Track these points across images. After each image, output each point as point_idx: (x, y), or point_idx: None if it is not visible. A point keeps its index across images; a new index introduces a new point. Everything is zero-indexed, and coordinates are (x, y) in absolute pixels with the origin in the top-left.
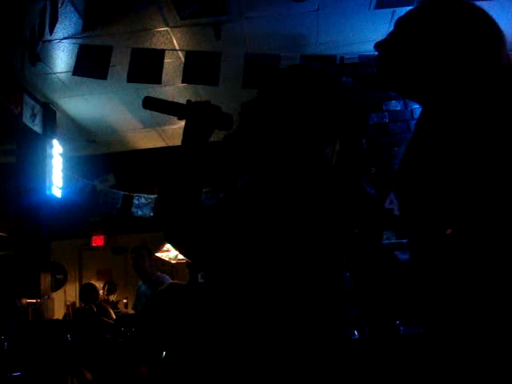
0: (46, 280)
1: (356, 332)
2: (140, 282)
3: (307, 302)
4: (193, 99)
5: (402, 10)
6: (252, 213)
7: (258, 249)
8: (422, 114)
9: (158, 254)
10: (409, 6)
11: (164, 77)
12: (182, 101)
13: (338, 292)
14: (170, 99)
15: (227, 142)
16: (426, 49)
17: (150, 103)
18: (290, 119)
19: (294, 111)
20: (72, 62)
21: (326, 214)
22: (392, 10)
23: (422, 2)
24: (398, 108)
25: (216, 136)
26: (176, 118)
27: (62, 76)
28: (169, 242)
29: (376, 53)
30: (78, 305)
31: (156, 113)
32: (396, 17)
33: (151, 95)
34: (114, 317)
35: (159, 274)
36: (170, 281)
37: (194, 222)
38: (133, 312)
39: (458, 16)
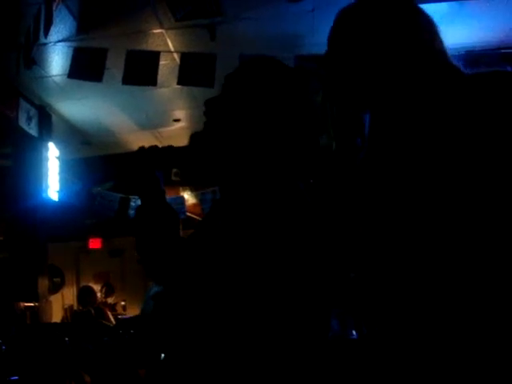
0: (43, 283)
1: (354, 332)
2: (152, 283)
3: (291, 305)
4: (188, 101)
5: None
6: (228, 220)
7: (239, 257)
8: (372, 120)
9: None
10: None
11: (159, 79)
12: (178, 104)
13: (319, 295)
14: (166, 101)
15: (194, 141)
16: (362, 54)
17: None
18: (255, 114)
19: (258, 106)
20: (67, 65)
21: (300, 212)
22: None
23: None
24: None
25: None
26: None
27: (58, 79)
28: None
29: None
30: (75, 308)
31: (152, 114)
32: None
33: (147, 97)
34: (113, 319)
35: None
36: None
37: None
38: (132, 314)
39: (390, 17)
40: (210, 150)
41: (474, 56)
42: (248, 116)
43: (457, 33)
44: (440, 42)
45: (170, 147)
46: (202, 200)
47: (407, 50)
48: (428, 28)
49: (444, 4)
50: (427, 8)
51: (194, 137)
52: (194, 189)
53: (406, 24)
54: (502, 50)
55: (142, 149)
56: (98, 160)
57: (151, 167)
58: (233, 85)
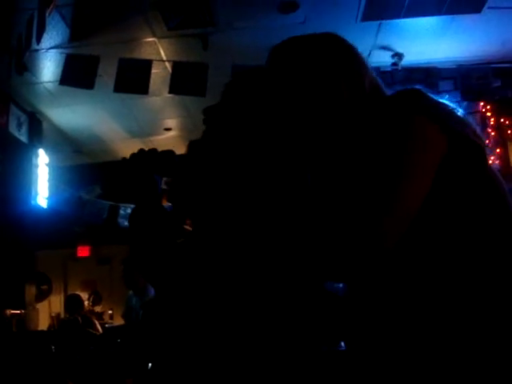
0: (30, 291)
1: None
2: (130, 293)
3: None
4: (180, 110)
5: (388, 23)
6: (226, 221)
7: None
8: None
9: None
10: (394, 18)
11: (151, 87)
12: (169, 112)
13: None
14: (158, 110)
15: (193, 149)
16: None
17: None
18: (255, 122)
19: (259, 114)
20: (59, 72)
21: (297, 221)
22: (378, 22)
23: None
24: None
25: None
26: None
27: (49, 85)
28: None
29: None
30: (62, 316)
31: (143, 123)
32: (382, 29)
33: (138, 105)
34: (100, 328)
35: (150, 286)
36: None
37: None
38: (119, 323)
39: (319, 54)
40: (208, 158)
41: (466, 70)
42: (247, 124)
43: (448, 47)
44: (367, 72)
45: (170, 151)
46: None
47: (333, 86)
48: (355, 60)
49: (436, 18)
50: (419, 22)
51: (191, 145)
52: None
53: (332, 61)
54: (493, 65)
55: (141, 151)
56: (88, 168)
57: (150, 170)
58: (232, 93)
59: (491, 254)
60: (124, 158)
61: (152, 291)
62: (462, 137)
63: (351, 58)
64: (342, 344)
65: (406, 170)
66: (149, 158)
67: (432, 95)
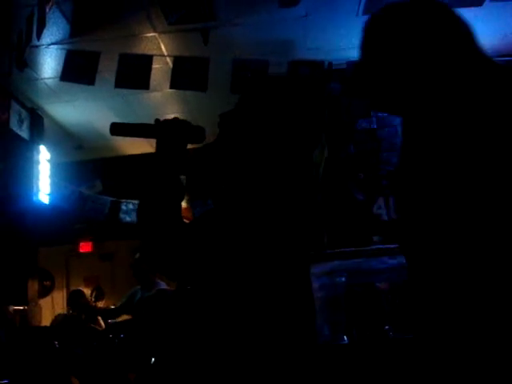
0: (33, 287)
1: (345, 337)
2: (137, 287)
3: (286, 307)
4: (181, 105)
5: None
6: (231, 224)
7: (238, 260)
8: (404, 124)
9: None
10: None
11: (152, 82)
12: (171, 108)
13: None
14: (159, 105)
15: (206, 151)
16: (396, 58)
17: (118, 129)
18: (269, 130)
19: (273, 122)
20: (59, 68)
21: (309, 225)
22: None
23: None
24: (386, 113)
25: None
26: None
27: (50, 82)
28: (151, 265)
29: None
30: (65, 311)
31: (144, 118)
32: None
33: (139, 101)
34: (103, 323)
35: (159, 281)
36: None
37: (171, 243)
38: (121, 319)
39: (423, 19)
40: (220, 161)
41: None
42: (261, 132)
43: None
44: (475, 39)
45: (201, 128)
46: (192, 204)
47: (446, 52)
48: (463, 28)
49: None
50: None
51: (205, 147)
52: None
53: (442, 26)
54: (494, 58)
55: (176, 118)
56: (89, 164)
57: (179, 139)
58: (248, 101)
59: None
60: (157, 120)
61: (161, 285)
62: None
63: (457, 21)
64: (345, 338)
65: None
66: (181, 128)
67: None
